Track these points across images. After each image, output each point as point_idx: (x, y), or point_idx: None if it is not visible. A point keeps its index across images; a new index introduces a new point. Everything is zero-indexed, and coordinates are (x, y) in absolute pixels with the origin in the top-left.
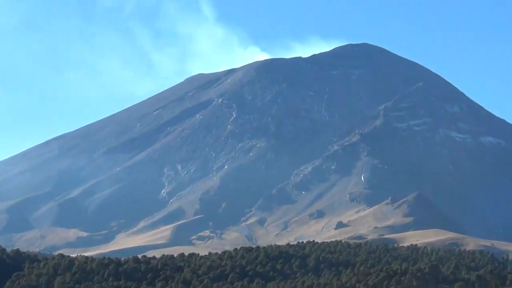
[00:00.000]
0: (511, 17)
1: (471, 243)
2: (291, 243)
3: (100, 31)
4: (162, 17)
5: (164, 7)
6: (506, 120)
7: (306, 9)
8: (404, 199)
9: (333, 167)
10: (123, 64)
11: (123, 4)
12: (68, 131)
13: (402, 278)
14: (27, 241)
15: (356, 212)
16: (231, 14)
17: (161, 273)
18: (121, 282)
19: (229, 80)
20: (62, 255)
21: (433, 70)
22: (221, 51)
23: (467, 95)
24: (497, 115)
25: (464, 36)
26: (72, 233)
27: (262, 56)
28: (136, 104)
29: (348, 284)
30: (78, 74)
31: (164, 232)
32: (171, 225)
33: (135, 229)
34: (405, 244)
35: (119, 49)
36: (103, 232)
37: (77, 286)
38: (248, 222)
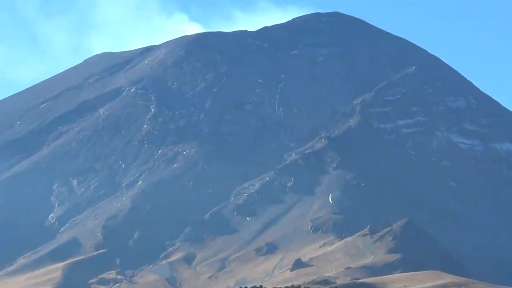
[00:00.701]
0: None
1: None
2: None
3: None
4: None
5: None
6: None
7: None
8: (388, 228)
9: (289, 184)
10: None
11: None
12: None
13: None
14: None
15: (320, 247)
16: None
17: None
18: None
19: (146, 62)
20: None
21: (430, 51)
22: (134, 21)
23: (476, 85)
24: None
25: (472, 5)
26: None
27: (193, 28)
28: (16, 93)
29: None
30: None
31: (53, 272)
32: (62, 263)
33: (11, 268)
34: None
35: None
36: None
37: None
38: (170, 260)
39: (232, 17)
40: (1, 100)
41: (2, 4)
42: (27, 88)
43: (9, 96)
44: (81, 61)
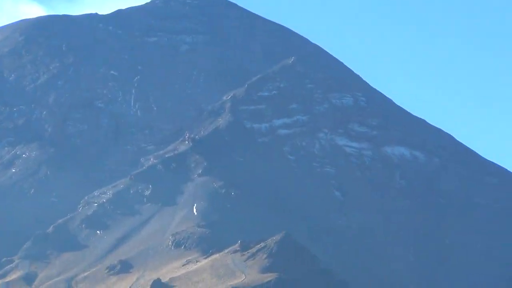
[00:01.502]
0: None
1: None
2: None
3: None
4: None
5: None
6: (427, 120)
7: None
8: (262, 244)
9: (147, 193)
10: None
11: None
12: None
13: None
14: None
15: (183, 265)
16: None
17: None
18: None
19: None
20: None
21: (311, 39)
22: None
23: (365, 79)
24: (413, 112)
25: None
26: None
27: (34, 10)
28: None
29: None
30: None
31: None
32: None
33: None
34: None
35: None
36: None
37: None
38: (6, 279)
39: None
40: None
41: None
42: None
43: None
44: None
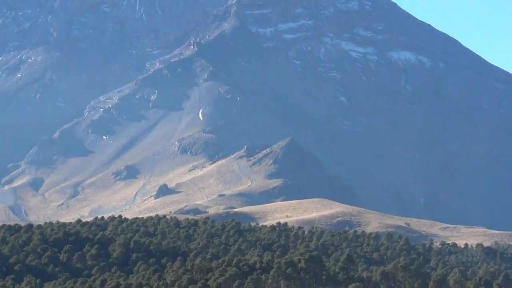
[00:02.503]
0: None
1: (374, 222)
2: (84, 219)
3: None
4: None
5: None
6: (433, 25)
7: None
8: (268, 150)
9: (153, 97)
10: None
11: None
12: None
13: (263, 276)
14: None
15: (189, 171)
16: None
17: None
18: None
19: None
20: None
21: None
22: None
23: None
24: (419, 17)
25: None
26: None
27: None
28: None
29: (176, 286)
30: None
31: None
32: None
33: None
34: (270, 223)
35: None
36: None
37: None
38: (13, 185)
39: None
40: None
41: None
42: None
43: None
44: None
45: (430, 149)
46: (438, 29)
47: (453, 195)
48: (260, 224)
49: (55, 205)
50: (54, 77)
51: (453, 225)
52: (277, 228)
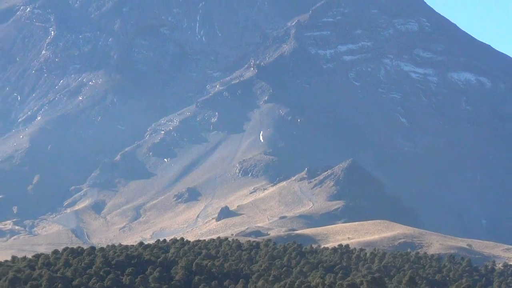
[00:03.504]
0: None
1: (436, 243)
2: (146, 242)
3: None
4: None
5: None
6: (493, 46)
7: None
8: (329, 171)
9: (213, 120)
10: None
11: None
12: None
13: None
14: None
15: (251, 193)
16: None
17: None
18: None
19: None
20: None
21: None
22: None
23: (429, 5)
24: (478, 38)
25: None
26: None
27: None
28: None
29: None
30: None
31: None
32: None
33: None
34: (331, 245)
35: None
36: None
37: None
38: (76, 208)
39: None
40: None
41: None
42: None
43: None
44: None
45: (491, 170)
46: (498, 49)
47: None
48: (322, 246)
49: (117, 228)
50: (115, 99)
51: None
52: (339, 250)
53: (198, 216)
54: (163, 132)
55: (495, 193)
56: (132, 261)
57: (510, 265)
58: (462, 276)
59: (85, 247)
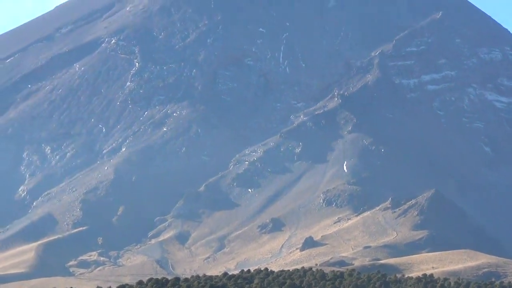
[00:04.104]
0: None
1: None
2: (230, 272)
3: None
4: None
5: None
6: None
7: None
8: (413, 201)
9: (297, 150)
10: None
11: None
12: None
13: None
14: None
15: (335, 223)
16: None
17: None
18: None
19: (128, 8)
20: None
21: None
22: None
23: None
24: None
25: None
26: None
27: None
28: None
29: None
30: None
31: (25, 254)
32: (36, 243)
33: None
34: (415, 274)
35: None
36: None
37: None
38: (160, 239)
39: None
40: None
41: None
42: None
43: None
44: (52, 8)
45: None
46: None
47: None
48: (406, 276)
49: (201, 259)
50: (199, 130)
51: None
52: (423, 280)
53: (282, 246)
54: (247, 162)
55: None
56: None
57: None
58: None
59: (169, 277)
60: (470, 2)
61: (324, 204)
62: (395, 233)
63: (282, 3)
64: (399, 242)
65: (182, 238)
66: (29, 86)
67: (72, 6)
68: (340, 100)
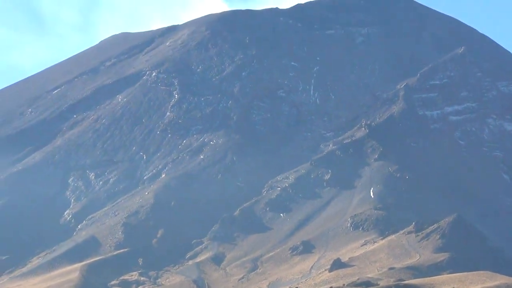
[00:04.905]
0: None
1: None
2: None
3: None
4: None
5: None
6: None
7: None
8: (436, 225)
9: (327, 177)
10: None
11: None
12: None
13: None
14: None
15: (361, 245)
16: None
17: None
18: None
19: (167, 43)
20: None
21: (480, 30)
22: None
23: None
24: None
25: None
26: None
27: (218, 5)
28: (24, 80)
29: None
30: None
31: (70, 274)
32: (80, 264)
33: (24, 269)
34: None
35: None
36: None
37: None
38: (197, 260)
39: None
40: (8, 86)
41: None
42: (38, 73)
43: (18, 82)
44: (96, 43)
45: None
46: None
47: None
48: None
49: (235, 279)
50: (234, 158)
51: None
52: None
53: (312, 268)
54: (279, 188)
55: None
56: None
57: None
58: None
59: None
60: (490, 38)
61: (351, 228)
62: (418, 255)
63: (313, 39)
64: (422, 263)
65: (217, 260)
66: (75, 116)
67: (115, 41)
68: (367, 130)
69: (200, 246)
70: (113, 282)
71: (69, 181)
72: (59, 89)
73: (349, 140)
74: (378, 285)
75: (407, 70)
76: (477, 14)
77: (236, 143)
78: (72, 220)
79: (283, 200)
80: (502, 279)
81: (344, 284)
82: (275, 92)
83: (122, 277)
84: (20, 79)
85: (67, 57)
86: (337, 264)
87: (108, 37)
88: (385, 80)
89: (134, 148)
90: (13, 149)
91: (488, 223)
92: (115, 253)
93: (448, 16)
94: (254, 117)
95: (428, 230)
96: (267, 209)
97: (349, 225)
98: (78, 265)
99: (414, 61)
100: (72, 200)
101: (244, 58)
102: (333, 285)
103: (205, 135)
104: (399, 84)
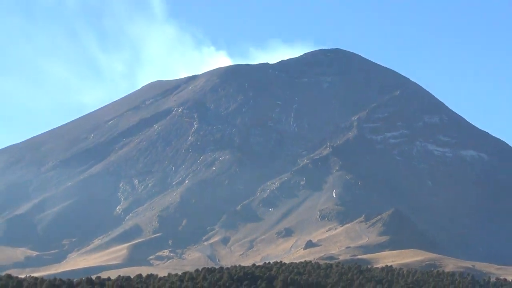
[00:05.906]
0: (493, 24)
1: (450, 264)
2: (257, 264)
3: (42, 31)
4: (108, 15)
5: (109, 3)
6: (489, 132)
7: (270, 9)
8: (379, 216)
9: (302, 183)
10: (68, 69)
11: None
12: (13, 143)
13: None
14: None
15: (327, 231)
16: (184, 13)
17: None
18: None
19: (190, 88)
20: (9, 276)
21: (411, 78)
22: (176, 55)
23: (447, 105)
24: (479, 127)
25: (444, 42)
26: (20, 252)
27: (225, 61)
28: (88, 114)
29: None
30: (21, 78)
31: (120, 251)
32: (127, 244)
33: (88, 248)
34: (380, 265)
35: (63, 52)
36: (54, 251)
37: None
38: (210, 241)
39: (252, 53)
40: (75, 119)
41: (70, 41)
42: (96, 110)
43: (82, 116)
44: (139, 87)
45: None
46: (493, 135)
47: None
48: (374, 266)
49: (237, 255)
50: (237, 169)
51: (506, 266)
52: (385, 269)
53: (291, 247)
54: (269, 190)
55: (495, 225)
56: (248, 277)
57: (500, 279)
58: (468, 286)
59: (216, 267)
60: (418, 84)
61: (320, 218)
62: (367, 238)
63: (293, 85)
64: (369, 244)
65: (225, 241)
66: (124, 139)
67: (153, 86)
68: (331, 150)
69: (212, 232)
70: (151, 257)
71: (119, 185)
72: (112, 121)
73: (318, 156)
74: (338, 259)
75: (359, 107)
76: (409, 66)
77: (238, 159)
78: (122, 213)
79: (272, 199)
80: (427, 255)
81: (314, 259)
82: (266, 123)
83: (157, 253)
84: (84, 113)
85: (118, 98)
86: (310, 244)
87: (147, 83)
88: (344, 114)
89: (166, 162)
90: (79, 163)
91: (417, 215)
92: (152, 236)
93: (388, 68)
94: (252, 140)
95: (374, 220)
96: (260, 205)
97: (318, 216)
98: (126, 245)
99: (364, 100)
100: (122, 199)
101: (244, 99)
102: (306, 259)
103: (216, 153)
104: (353, 116)
